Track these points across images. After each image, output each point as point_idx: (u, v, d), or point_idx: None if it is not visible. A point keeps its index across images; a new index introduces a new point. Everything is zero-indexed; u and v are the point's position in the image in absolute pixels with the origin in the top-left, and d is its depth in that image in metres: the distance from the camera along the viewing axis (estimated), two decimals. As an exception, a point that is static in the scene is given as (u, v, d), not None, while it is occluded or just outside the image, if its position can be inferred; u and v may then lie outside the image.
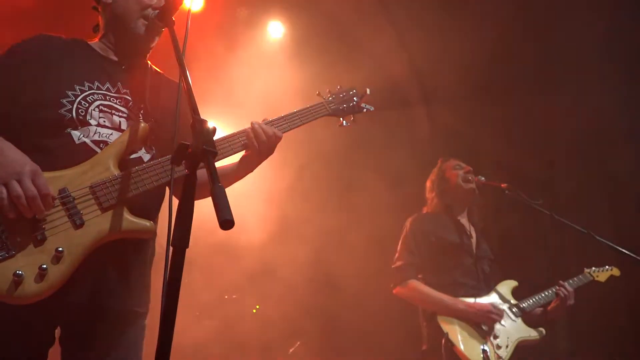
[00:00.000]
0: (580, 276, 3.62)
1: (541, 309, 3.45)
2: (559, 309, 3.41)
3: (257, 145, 2.01)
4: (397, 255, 3.49)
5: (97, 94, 1.93)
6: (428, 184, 3.79)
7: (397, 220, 3.78)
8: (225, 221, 1.04)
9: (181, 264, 1.19)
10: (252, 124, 2.05)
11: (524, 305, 3.37)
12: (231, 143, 2.01)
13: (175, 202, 1.34)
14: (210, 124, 1.33)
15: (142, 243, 1.93)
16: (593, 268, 3.70)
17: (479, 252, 3.52)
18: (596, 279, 3.66)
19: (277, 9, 5.46)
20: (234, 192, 1.77)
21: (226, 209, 1.05)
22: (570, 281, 3.53)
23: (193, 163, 1.22)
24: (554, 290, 3.44)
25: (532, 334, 3.34)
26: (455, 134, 5.91)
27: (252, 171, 2.14)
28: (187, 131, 1.39)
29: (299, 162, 5.25)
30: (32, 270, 1.60)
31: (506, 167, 5.82)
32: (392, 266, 3.47)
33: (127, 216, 1.77)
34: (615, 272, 3.75)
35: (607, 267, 3.74)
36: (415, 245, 3.43)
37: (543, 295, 3.44)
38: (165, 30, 2.01)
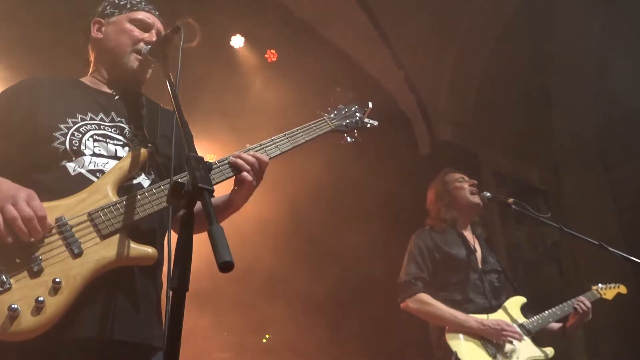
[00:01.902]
0: (587, 294, 3.55)
1: (559, 324, 3.40)
2: (576, 324, 3.38)
3: (243, 176, 1.89)
4: (403, 269, 3.42)
5: (91, 124, 1.90)
6: (431, 195, 3.71)
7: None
8: (225, 263, 0.99)
9: (182, 307, 1.14)
10: (233, 155, 1.93)
11: (530, 326, 3.30)
12: (222, 168, 1.91)
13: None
14: (207, 160, 1.30)
15: (151, 271, 1.85)
16: (600, 285, 3.63)
17: (485, 267, 3.46)
18: (603, 296, 3.58)
19: (270, 35, 5.50)
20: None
21: (225, 250, 1.01)
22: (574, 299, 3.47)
23: (189, 202, 1.18)
24: (562, 307, 3.40)
25: (540, 353, 3.27)
26: (456, 147, 5.89)
27: (247, 199, 2.01)
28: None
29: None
30: (28, 304, 1.53)
31: (509, 179, 5.77)
32: (399, 280, 3.39)
33: (128, 243, 1.71)
34: (622, 289, 3.68)
35: (613, 284, 3.66)
36: (421, 259, 3.37)
37: (549, 313, 3.39)
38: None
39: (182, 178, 1.74)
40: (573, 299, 3.46)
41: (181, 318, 1.13)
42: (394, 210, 5.32)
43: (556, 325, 3.42)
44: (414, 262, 3.37)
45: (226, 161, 1.92)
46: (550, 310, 3.39)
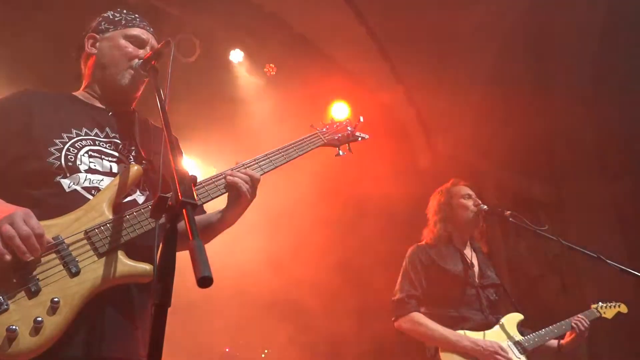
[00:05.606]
0: (586, 312, 3.51)
1: (556, 341, 3.36)
2: (574, 342, 3.34)
3: (238, 192, 1.94)
4: (397, 287, 3.39)
5: (86, 139, 1.91)
6: (433, 204, 3.66)
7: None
8: (203, 278, 0.98)
9: (164, 322, 1.13)
10: (224, 173, 1.98)
11: (526, 344, 3.25)
12: (217, 184, 1.95)
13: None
14: (191, 173, 1.29)
15: (148, 287, 1.83)
16: (600, 303, 3.59)
17: (482, 281, 3.42)
18: (603, 315, 3.55)
19: (270, 49, 5.54)
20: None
21: (205, 265, 1.00)
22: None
23: (173, 216, 1.17)
24: (560, 325, 3.37)
25: None
26: (456, 160, 5.88)
27: (241, 215, 2.06)
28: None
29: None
30: (26, 324, 1.53)
31: (510, 192, 5.75)
32: (392, 299, 3.36)
33: (125, 260, 1.71)
34: (623, 308, 3.63)
35: (613, 303, 3.62)
36: (415, 277, 3.34)
37: (546, 331, 3.35)
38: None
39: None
40: (572, 317, 3.42)
41: (162, 333, 1.12)
42: (393, 225, 5.30)
43: (554, 343, 3.37)
44: (408, 280, 3.35)
45: (222, 177, 1.96)
46: (547, 328, 3.36)
